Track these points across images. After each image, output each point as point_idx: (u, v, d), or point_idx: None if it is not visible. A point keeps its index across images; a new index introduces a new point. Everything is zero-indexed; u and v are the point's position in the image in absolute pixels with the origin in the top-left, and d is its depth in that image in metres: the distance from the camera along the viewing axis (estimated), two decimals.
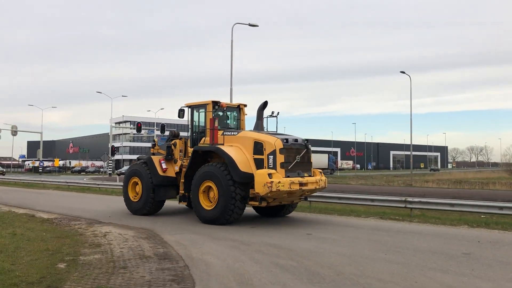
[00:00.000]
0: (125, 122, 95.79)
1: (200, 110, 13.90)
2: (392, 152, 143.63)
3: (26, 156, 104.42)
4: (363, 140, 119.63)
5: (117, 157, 75.27)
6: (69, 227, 11.40)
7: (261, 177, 11.34)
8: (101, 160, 56.51)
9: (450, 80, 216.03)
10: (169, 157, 14.22)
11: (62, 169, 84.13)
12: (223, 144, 12.54)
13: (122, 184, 15.46)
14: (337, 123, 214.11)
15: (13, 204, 17.50)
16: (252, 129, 13.61)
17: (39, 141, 67.14)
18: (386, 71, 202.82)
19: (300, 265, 7.31)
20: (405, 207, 14.31)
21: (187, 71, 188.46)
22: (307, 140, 12.67)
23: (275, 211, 13.70)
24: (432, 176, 58.78)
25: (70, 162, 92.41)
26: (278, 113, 13.79)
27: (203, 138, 13.46)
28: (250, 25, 26.18)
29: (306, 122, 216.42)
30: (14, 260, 7.42)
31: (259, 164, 11.90)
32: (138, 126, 35.51)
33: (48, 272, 6.67)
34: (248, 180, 11.72)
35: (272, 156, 11.74)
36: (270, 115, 14.06)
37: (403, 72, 43.55)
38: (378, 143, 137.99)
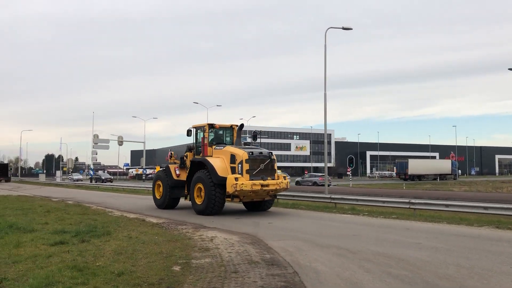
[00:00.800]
0: None
1: (201, 130, 17.70)
2: (497, 156, 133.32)
3: (129, 164, 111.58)
4: (464, 144, 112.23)
5: None
6: (177, 231, 11.93)
7: (229, 180, 15.11)
8: None
9: None
10: (182, 165, 18.37)
11: None
12: (211, 156, 16.48)
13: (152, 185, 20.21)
14: (435, 127, 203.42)
15: (124, 209, 18.74)
16: (234, 144, 17.44)
17: (141, 150, 71.66)
18: (487, 69, 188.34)
19: (415, 275, 6.93)
20: None
21: (278, 78, 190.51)
22: (271, 152, 16.41)
23: (256, 206, 17.27)
24: None
25: None
26: (260, 132, 17.55)
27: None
28: (343, 28, 25.66)
29: (401, 126, 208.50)
30: (133, 262, 7.88)
31: (233, 170, 15.57)
32: None
33: (166, 274, 6.98)
34: (224, 182, 15.33)
35: (240, 165, 15.42)
36: (252, 134, 19.65)
37: None
38: (481, 147, 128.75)
